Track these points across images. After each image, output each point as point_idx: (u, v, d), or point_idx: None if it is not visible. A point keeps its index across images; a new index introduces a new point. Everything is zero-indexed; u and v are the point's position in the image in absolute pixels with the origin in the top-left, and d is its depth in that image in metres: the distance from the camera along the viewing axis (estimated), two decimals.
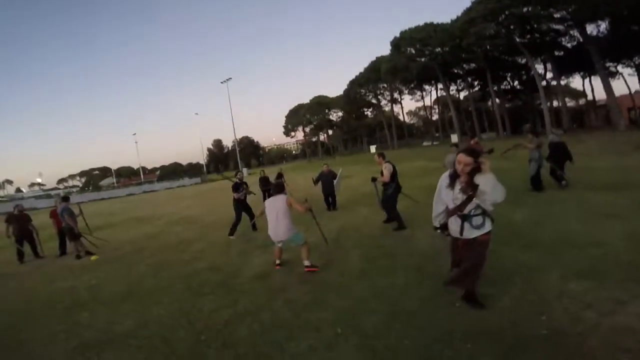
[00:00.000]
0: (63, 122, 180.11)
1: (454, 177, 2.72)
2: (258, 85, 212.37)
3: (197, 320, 3.42)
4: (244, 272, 4.77)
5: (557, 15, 28.05)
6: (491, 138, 39.46)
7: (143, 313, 3.81)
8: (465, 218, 2.70)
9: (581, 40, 30.74)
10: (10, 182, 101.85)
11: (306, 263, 4.32)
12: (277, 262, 4.65)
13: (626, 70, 35.66)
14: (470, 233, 2.72)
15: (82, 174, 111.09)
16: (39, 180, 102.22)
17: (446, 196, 2.82)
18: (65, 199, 7.95)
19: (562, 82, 39.53)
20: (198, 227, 9.37)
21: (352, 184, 14.84)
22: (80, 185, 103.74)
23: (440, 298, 3.14)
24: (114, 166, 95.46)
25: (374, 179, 6.36)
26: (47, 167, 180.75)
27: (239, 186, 7.47)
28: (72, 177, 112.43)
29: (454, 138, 41.01)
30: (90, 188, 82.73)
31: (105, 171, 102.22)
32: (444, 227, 2.94)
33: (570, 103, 45.59)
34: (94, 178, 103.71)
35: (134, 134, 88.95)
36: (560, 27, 30.52)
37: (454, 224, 2.79)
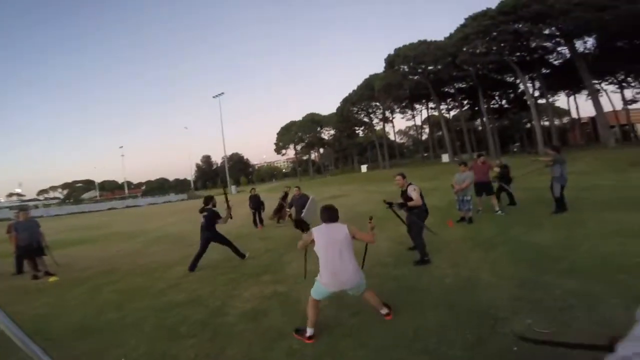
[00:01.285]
0: (48, 131, 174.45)
1: None
2: (250, 101, 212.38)
3: None
4: (232, 308, 3.87)
5: (546, 32, 29.12)
6: (474, 158, 39.37)
7: (97, 358, 2.92)
8: None
9: (568, 57, 31.99)
10: None
11: (385, 311, 3.12)
12: (310, 332, 2.92)
13: (609, 88, 36.81)
14: None
15: (64, 186, 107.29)
16: (18, 190, 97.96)
17: None
18: (20, 212, 7.00)
19: (550, 100, 40.21)
20: (180, 248, 8.37)
21: (348, 203, 14.12)
22: (62, 197, 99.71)
23: (489, 343, 2.48)
24: (98, 179, 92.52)
25: (391, 205, 4.82)
26: (29, 178, 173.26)
27: (215, 214, 5.89)
28: (53, 188, 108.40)
29: (445, 157, 40.97)
30: (72, 200, 79.46)
31: (88, 184, 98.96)
32: None
33: (555, 121, 46.70)
34: (76, 190, 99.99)
35: (121, 147, 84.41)
36: (548, 44, 31.73)
37: None
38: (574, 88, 37.90)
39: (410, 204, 4.81)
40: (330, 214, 3.08)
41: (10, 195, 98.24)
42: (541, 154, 28.10)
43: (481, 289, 3.59)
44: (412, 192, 4.81)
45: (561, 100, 48.27)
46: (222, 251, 6.34)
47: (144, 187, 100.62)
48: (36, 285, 6.04)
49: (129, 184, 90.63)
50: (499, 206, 7.66)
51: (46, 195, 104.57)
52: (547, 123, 43.26)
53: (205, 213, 5.85)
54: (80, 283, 5.82)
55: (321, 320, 3.16)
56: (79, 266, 7.32)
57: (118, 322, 3.80)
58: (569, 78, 33.06)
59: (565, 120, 53.18)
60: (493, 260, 4.53)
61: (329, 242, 2.91)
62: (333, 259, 2.85)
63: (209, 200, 6.00)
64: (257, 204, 10.90)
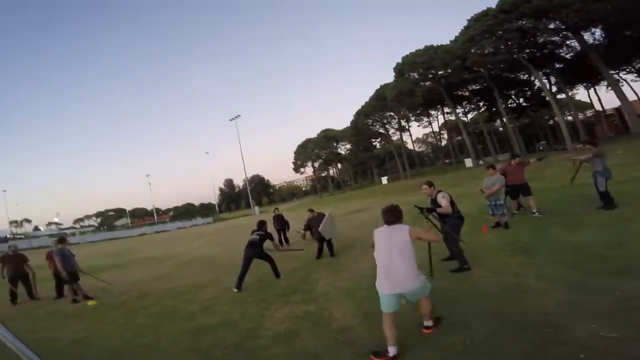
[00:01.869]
0: (82, 164, 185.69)
1: None
2: (267, 122, 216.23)
3: None
4: (265, 329, 3.80)
5: (551, 26, 28.29)
6: (507, 159, 37.84)
7: None
8: None
9: (579, 49, 30.88)
10: (29, 220, 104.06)
11: (428, 323, 2.99)
12: (394, 352, 2.65)
13: (628, 77, 34.68)
14: None
15: (98, 214, 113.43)
16: (56, 219, 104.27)
17: None
18: (61, 240, 7.40)
19: (570, 94, 38.11)
20: (210, 270, 8.50)
21: (367, 217, 13.89)
22: (96, 225, 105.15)
23: (551, 352, 2.32)
24: (129, 207, 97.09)
25: (422, 210, 4.55)
26: (66, 208, 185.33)
27: (268, 235, 6.46)
28: (88, 217, 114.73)
29: (468, 162, 39.69)
30: (105, 228, 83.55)
31: (120, 212, 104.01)
32: None
33: (579, 115, 43.73)
34: (109, 219, 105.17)
35: (148, 175, 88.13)
36: (556, 38, 30.71)
37: None
38: (592, 80, 36.13)
39: (439, 210, 4.68)
40: (390, 215, 2.95)
41: (50, 224, 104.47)
42: (570, 150, 26.70)
43: (530, 295, 3.38)
44: (442, 199, 4.68)
45: (581, 93, 45.43)
46: (251, 271, 6.33)
47: (171, 213, 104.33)
48: (75, 309, 6.25)
49: (158, 210, 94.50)
50: (536, 207, 7.26)
51: (82, 224, 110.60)
52: (570, 118, 41.19)
53: (260, 232, 6.36)
54: (116, 307, 5.97)
55: (357, 341, 3.03)
56: (115, 290, 7.54)
57: (153, 346, 3.83)
58: (585, 70, 31.73)
59: (589, 113, 50.47)
60: (538, 264, 4.28)
61: (386, 243, 2.84)
62: (385, 259, 2.78)
63: (262, 224, 6.56)
64: (281, 224, 10.99)
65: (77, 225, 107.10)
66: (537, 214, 7.10)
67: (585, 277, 3.53)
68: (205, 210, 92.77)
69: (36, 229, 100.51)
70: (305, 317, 3.93)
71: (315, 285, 5.28)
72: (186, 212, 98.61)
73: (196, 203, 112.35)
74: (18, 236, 67.25)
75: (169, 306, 5.56)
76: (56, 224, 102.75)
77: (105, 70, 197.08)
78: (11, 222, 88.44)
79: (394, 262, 2.74)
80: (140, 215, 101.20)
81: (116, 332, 4.52)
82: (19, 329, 4.96)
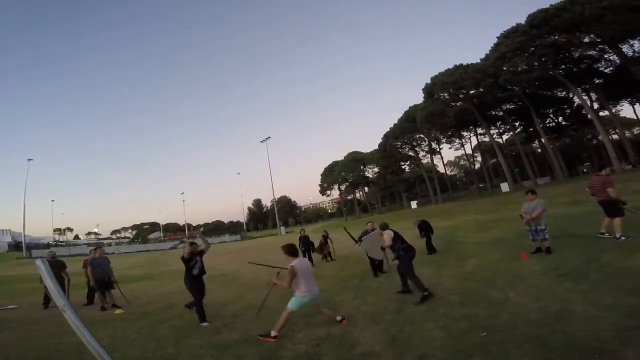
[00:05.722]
0: (124, 180, 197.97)
1: None
2: (295, 144, 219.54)
3: None
4: (286, 350, 3.67)
5: (586, 40, 26.80)
6: (547, 183, 35.45)
7: None
8: None
9: (619, 63, 28.94)
10: (71, 229, 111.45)
11: (339, 318, 4.40)
12: (275, 334, 4.07)
13: None
14: None
15: (134, 227, 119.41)
16: (95, 230, 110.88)
17: None
18: (96, 250, 7.74)
19: (614, 111, 35.22)
20: (235, 286, 8.53)
21: None
22: (132, 237, 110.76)
23: None
24: (162, 222, 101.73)
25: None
26: (105, 219, 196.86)
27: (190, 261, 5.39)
28: (125, 229, 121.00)
29: (505, 187, 37.34)
30: (139, 240, 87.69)
31: (154, 226, 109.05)
32: None
33: (626, 133, 39.51)
34: (144, 232, 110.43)
35: (182, 193, 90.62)
36: (592, 52, 29.01)
37: None
38: (637, 95, 33.38)
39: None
40: (291, 250, 4.43)
41: (89, 234, 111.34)
42: (618, 171, 24.51)
43: (577, 321, 3.10)
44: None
45: (626, 109, 41.97)
46: (274, 292, 6.22)
47: (202, 229, 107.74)
48: (103, 316, 6.41)
49: (190, 226, 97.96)
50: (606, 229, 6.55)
51: (118, 235, 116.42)
52: (616, 136, 37.91)
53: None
54: (142, 317, 6.06)
55: None
56: (142, 301, 7.73)
57: (173, 359, 3.79)
58: (628, 85, 29.43)
59: (637, 130, 46.36)
60: (586, 290, 3.92)
61: (307, 269, 4.32)
62: (309, 279, 4.27)
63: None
64: (307, 245, 10.99)
65: (114, 237, 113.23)
66: (623, 238, 6.09)
67: None
68: (234, 228, 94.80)
69: (76, 237, 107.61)
70: (328, 340, 3.76)
71: (340, 308, 5.11)
72: (216, 229, 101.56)
73: (226, 221, 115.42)
74: (60, 243, 72.23)
75: (193, 320, 5.51)
76: (95, 234, 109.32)
77: (146, 97, 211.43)
78: (55, 230, 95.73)
79: (312, 278, 4.38)
80: (173, 230, 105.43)
81: (138, 342, 4.55)
82: (47, 333, 5.19)
